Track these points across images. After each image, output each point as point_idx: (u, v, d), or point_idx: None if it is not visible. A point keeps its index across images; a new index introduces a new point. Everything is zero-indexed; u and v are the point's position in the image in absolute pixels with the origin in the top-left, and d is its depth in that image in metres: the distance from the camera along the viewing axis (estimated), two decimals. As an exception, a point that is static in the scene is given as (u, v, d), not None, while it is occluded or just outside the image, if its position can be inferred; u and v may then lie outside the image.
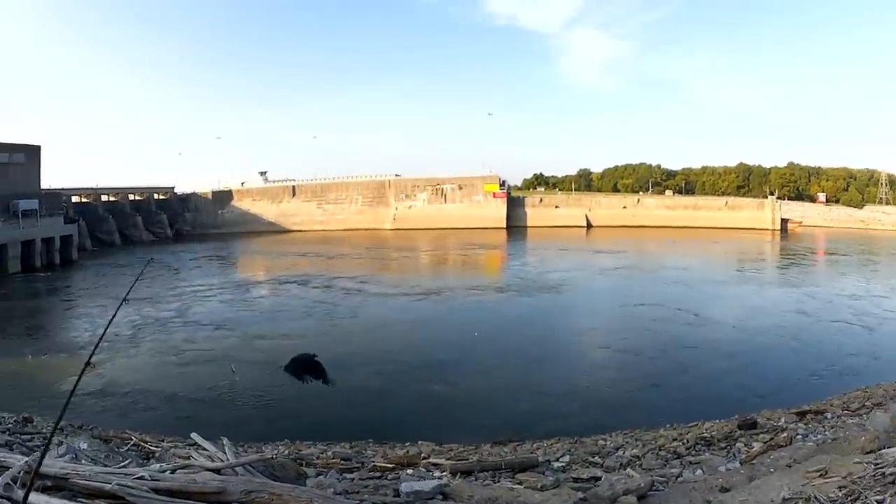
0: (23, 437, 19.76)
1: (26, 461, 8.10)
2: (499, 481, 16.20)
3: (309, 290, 70.23)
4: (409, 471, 18.40)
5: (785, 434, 19.56)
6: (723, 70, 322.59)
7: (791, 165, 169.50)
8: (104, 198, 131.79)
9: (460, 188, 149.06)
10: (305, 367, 16.46)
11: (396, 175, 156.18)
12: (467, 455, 22.17)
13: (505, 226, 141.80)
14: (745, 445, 19.64)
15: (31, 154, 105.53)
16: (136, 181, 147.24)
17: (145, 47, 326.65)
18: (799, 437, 19.32)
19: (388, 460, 20.15)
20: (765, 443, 19.04)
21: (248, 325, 51.79)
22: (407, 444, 25.31)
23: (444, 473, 17.45)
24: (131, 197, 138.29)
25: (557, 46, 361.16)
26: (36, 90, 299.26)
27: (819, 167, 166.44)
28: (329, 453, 22.41)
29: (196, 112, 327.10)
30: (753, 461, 15.60)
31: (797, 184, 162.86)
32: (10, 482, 7.50)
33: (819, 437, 18.84)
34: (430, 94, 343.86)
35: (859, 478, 8.53)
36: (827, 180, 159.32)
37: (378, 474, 18.16)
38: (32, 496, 7.35)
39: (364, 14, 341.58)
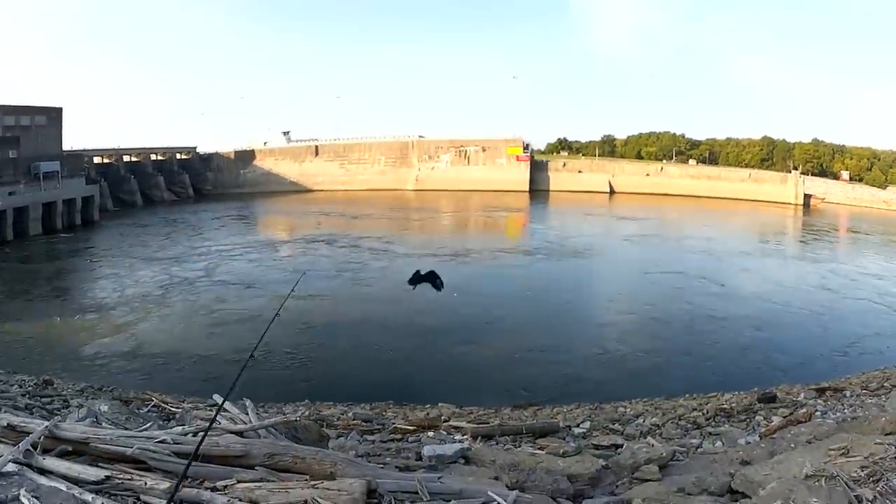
0: (43, 399, 20.04)
1: (46, 426, 8.09)
2: (520, 446, 16.32)
3: (335, 250, 70.68)
4: (430, 433, 18.59)
5: (804, 410, 19.58)
6: (752, 42, 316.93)
7: (815, 142, 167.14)
8: (126, 158, 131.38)
9: (484, 150, 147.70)
10: (426, 277, 17.89)
11: (420, 136, 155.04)
12: (488, 418, 22.33)
13: (528, 189, 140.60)
14: (765, 419, 19.68)
15: (53, 116, 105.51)
16: (159, 142, 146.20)
17: (167, 5, 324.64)
18: (818, 413, 19.33)
19: (408, 422, 20.32)
20: (784, 417, 19.06)
21: (273, 286, 51.66)
22: (427, 406, 25.53)
23: (466, 437, 17.61)
24: (153, 157, 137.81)
25: (587, 11, 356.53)
26: (59, 51, 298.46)
27: (843, 145, 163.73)
28: (350, 414, 22.64)
29: (219, 71, 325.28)
30: (773, 435, 15.61)
31: (821, 160, 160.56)
32: (31, 448, 7.53)
33: (838, 414, 18.85)
34: (454, 55, 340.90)
35: (881, 459, 8.56)
36: (851, 159, 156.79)
37: (399, 437, 18.36)
38: (53, 462, 7.41)
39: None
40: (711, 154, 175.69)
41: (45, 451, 7.63)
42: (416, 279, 18.15)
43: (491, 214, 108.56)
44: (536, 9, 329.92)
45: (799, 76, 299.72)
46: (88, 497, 6.52)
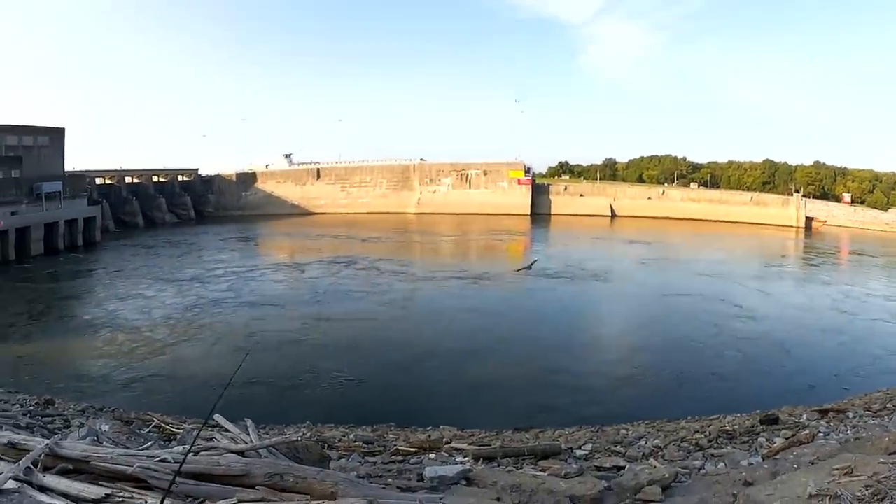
0: (44, 419, 19.99)
1: (47, 444, 8.12)
2: (522, 468, 16.23)
3: (357, 272, 70.66)
4: (432, 455, 18.53)
5: (807, 431, 19.52)
6: (752, 66, 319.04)
7: (817, 164, 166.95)
8: (128, 180, 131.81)
9: (485, 174, 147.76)
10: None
11: (421, 159, 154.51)
12: (489, 441, 22.27)
13: (529, 213, 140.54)
14: (767, 440, 19.61)
15: (55, 136, 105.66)
16: (160, 163, 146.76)
17: (170, 28, 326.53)
18: (821, 434, 19.25)
19: (410, 444, 20.27)
20: (787, 439, 19.00)
21: (303, 307, 52.48)
22: (429, 428, 25.44)
23: (467, 459, 17.53)
24: (155, 179, 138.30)
25: (586, 36, 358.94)
26: (61, 75, 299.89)
27: (845, 168, 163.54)
28: (351, 436, 22.59)
29: (220, 94, 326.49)
30: (776, 456, 15.57)
31: (822, 183, 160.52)
32: (31, 465, 7.55)
33: (841, 435, 18.77)
34: (456, 80, 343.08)
35: (885, 478, 8.53)
36: (852, 181, 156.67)
37: (400, 458, 18.29)
38: (53, 479, 7.44)
39: (390, 1, 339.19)
40: (713, 177, 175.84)
41: (46, 469, 7.63)
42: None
43: (498, 238, 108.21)
44: (538, 34, 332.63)
45: (799, 98, 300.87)
46: (88, 515, 6.51)
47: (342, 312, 50.55)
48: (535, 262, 69.66)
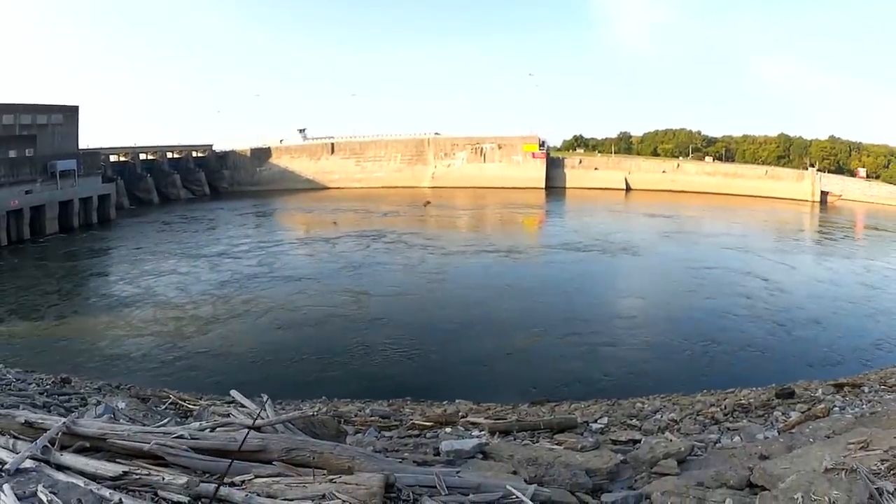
0: (60, 398, 20.08)
1: (63, 422, 8.13)
2: (538, 441, 16.22)
3: (391, 246, 70.97)
4: (448, 429, 18.58)
5: (822, 405, 19.50)
6: (769, 40, 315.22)
7: (832, 139, 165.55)
8: (142, 156, 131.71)
9: (500, 148, 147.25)
10: None
11: (436, 133, 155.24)
12: (505, 414, 22.32)
13: (544, 186, 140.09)
14: (783, 414, 19.59)
15: (69, 114, 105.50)
16: (174, 140, 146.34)
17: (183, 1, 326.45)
18: (836, 408, 19.24)
19: (426, 418, 20.34)
20: (802, 413, 19.01)
21: (313, 281, 52.84)
22: (444, 402, 25.53)
23: (483, 433, 17.57)
24: (169, 155, 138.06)
25: (606, 9, 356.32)
26: (75, 49, 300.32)
27: (860, 143, 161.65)
28: (367, 411, 22.63)
29: (235, 69, 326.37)
30: (792, 430, 15.58)
31: (837, 158, 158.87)
32: (48, 444, 7.58)
33: (857, 409, 18.76)
34: (470, 53, 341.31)
35: (901, 452, 8.59)
36: (868, 156, 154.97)
37: (416, 432, 18.36)
38: (70, 458, 7.45)
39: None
40: (728, 151, 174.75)
41: (63, 448, 7.65)
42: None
43: (518, 211, 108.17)
44: (555, 6, 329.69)
45: (816, 73, 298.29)
46: (106, 492, 6.52)
47: (381, 286, 50.93)
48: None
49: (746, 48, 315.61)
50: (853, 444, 9.58)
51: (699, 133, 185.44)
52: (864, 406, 19.54)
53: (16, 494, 6.33)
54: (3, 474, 7.00)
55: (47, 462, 7.31)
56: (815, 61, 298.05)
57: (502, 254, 66.20)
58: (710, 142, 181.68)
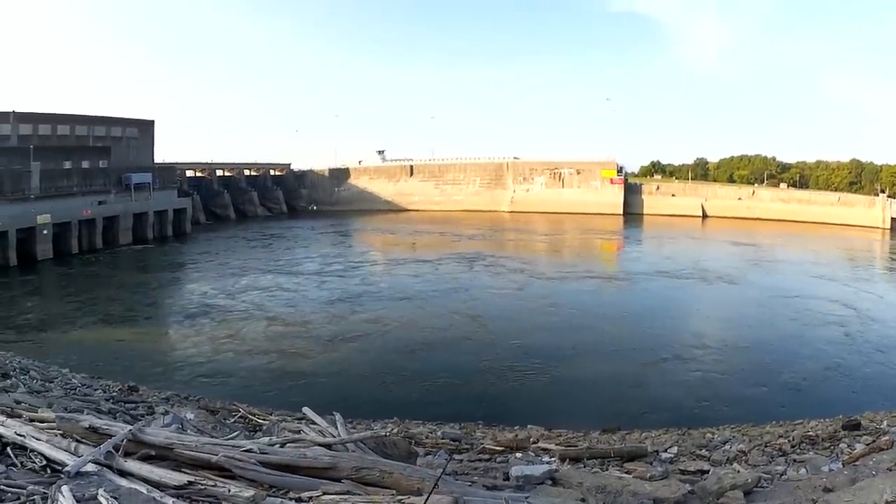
0: (127, 405, 20.22)
1: (130, 429, 8.14)
2: (607, 469, 16.01)
3: (489, 269, 70.65)
4: (518, 454, 18.40)
5: (887, 437, 19.08)
6: (842, 58, 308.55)
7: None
8: (219, 173, 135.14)
9: (578, 173, 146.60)
10: None
11: (515, 157, 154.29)
12: (576, 441, 22.08)
13: (622, 212, 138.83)
14: (848, 446, 19.22)
15: (145, 128, 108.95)
16: (251, 157, 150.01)
17: (260, 19, 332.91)
18: (900, 440, 18.93)
19: (497, 443, 20.18)
20: (867, 444, 18.65)
21: (423, 301, 53.33)
22: (516, 427, 25.19)
23: (553, 459, 17.36)
24: (246, 172, 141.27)
25: (676, 32, 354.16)
26: (155, 65, 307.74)
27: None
28: (438, 433, 22.48)
29: (314, 89, 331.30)
30: (856, 462, 15.29)
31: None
32: (112, 450, 7.57)
33: (920, 442, 18.43)
34: (548, 77, 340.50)
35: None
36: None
37: (487, 457, 18.20)
38: (134, 464, 7.42)
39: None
40: (801, 177, 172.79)
41: (128, 455, 7.64)
42: None
43: (601, 236, 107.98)
44: (629, 31, 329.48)
45: (890, 92, 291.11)
46: (168, 501, 6.47)
47: (493, 309, 50.96)
48: None
49: (819, 67, 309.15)
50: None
51: (773, 159, 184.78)
52: (928, 438, 19.10)
53: (74, 497, 6.30)
54: (63, 476, 7.05)
55: (109, 467, 7.32)
56: (889, 81, 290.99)
57: (604, 279, 65.99)
58: (785, 168, 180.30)
